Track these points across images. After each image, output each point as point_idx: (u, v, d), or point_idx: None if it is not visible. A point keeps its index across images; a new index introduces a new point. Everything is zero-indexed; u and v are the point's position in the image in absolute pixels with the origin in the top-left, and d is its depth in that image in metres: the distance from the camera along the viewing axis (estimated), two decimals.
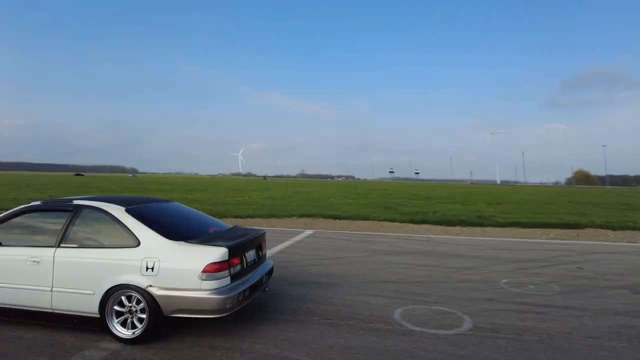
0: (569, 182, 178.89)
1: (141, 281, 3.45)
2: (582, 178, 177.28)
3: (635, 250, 8.94)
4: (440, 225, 12.87)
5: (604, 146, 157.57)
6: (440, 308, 4.71)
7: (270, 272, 4.57)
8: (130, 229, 3.68)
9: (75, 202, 4.08)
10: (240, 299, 3.57)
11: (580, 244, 9.67)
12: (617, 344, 3.75)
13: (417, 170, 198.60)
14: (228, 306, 3.45)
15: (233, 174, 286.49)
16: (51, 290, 3.67)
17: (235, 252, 3.66)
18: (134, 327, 3.56)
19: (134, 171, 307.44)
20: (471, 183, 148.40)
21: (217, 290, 3.40)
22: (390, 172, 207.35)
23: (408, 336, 3.86)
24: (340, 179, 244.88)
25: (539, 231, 11.77)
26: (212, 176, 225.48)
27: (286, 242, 9.26)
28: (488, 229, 12.13)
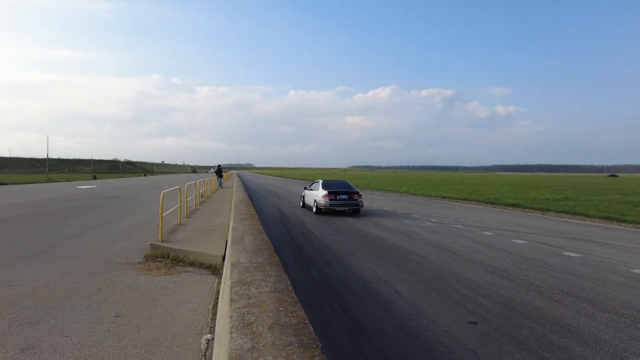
0: None
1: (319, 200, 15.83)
2: None
3: None
4: None
5: None
6: None
7: (356, 206, 15.92)
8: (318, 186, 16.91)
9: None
10: (327, 207, 15.45)
11: None
12: None
13: None
14: (324, 209, 15.49)
15: None
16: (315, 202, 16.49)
17: (330, 191, 15.43)
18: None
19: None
20: None
21: (322, 202, 15.47)
22: None
23: None
24: None
25: None
26: None
27: None
28: None
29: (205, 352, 3.73)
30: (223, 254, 6.89)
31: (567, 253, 8.80)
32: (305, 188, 18.97)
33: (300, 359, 1.19)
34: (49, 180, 50.87)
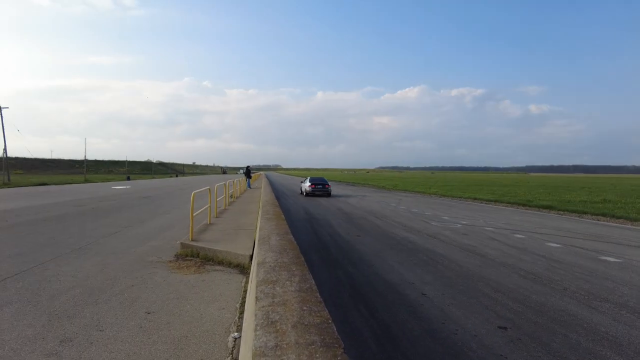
0: None
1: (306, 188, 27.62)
2: None
3: None
4: None
5: None
6: None
7: (329, 193, 26.94)
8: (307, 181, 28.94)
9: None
10: (310, 193, 26.75)
11: None
12: None
13: None
14: (310, 193, 26.68)
15: None
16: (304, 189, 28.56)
17: (312, 183, 26.93)
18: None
19: None
20: None
21: (308, 189, 27.05)
22: None
23: None
24: None
25: None
26: None
27: None
28: None
29: (233, 350, 3.79)
30: (251, 254, 6.99)
31: (604, 258, 8.42)
32: (301, 182, 30.59)
33: (323, 358, 1.20)
34: (86, 181, 53.08)
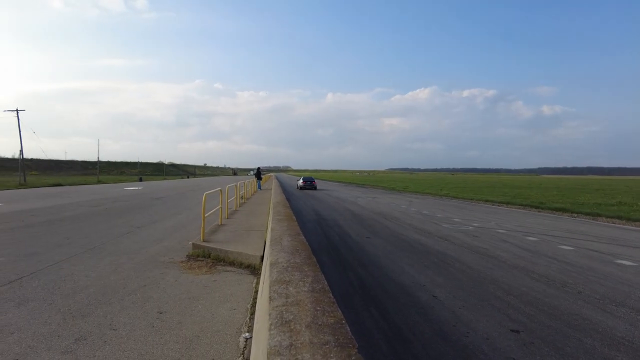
0: None
1: (300, 183, 41.40)
2: None
3: None
4: None
5: None
6: None
7: (314, 187, 39.64)
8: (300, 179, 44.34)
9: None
10: (302, 187, 39.52)
11: None
12: None
13: None
14: (302, 187, 39.75)
15: None
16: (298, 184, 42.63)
17: (304, 181, 40.27)
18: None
19: None
20: None
21: (300, 184, 40.20)
22: None
23: None
24: None
25: None
26: None
27: None
28: None
29: (244, 351, 3.82)
30: (261, 254, 7.02)
31: (620, 261, 8.29)
32: (297, 180, 44.94)
33: (337, 357, 1.20)
34: (99, 182, 53.81)
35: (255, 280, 6.23)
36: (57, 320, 4.43)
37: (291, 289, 1.94)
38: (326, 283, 2.10)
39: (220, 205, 11.19)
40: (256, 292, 5.54)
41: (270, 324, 1.46)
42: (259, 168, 36.13)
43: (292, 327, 1.44)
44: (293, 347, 1.28)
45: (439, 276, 6.87)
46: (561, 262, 8.12)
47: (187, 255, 7.84)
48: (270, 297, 1.81)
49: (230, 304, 5.15)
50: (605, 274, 7.16)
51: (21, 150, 48.26)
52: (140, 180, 71.35)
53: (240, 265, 7.20)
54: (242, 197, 19.41)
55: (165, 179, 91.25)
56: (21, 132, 46.75)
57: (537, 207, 21.33)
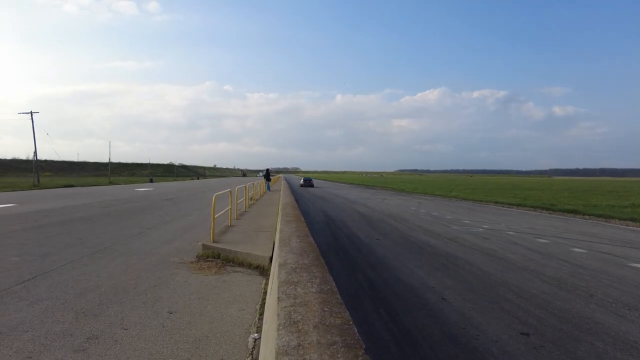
0: None
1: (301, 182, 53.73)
2: None
3: None
4: None
5: None
6: None
7: (312, 185, 51.98)
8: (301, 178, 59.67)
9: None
10: (302, 185, 51.24)
11: None
12: None
13: None
14: (302, 185, 50.99)
15: None
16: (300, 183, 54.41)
17: (304, 180, 53.26)
18: None
19: None
20: None
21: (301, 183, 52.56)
22: None
23: None
24: None
25: None
26: None
27: None
28: None
29: (253, 351, 3.84)
30: (270, 255, 7.05)
31: (634, 264, 8.16)
32: (300, 180, 56.93)
33: (345, 358, 1.21)
34: (110, 183, 54.45)
35: (264, 281, 6.26)
36: (69, 319, 4.50)
37: (299, 289, 1.95)
38: (334, 284, 2.11)
39: (229, 207, 11.26)
40: (265, 292, 5.57)
41: (279, 325, 1.47)
42: (267, 169, 36.25)
43: (300, 328, 1.45)
44: (301, 347, 1.29)
45: (448, 278, 6.83)
46: (573, 264, 8.02)
47: (197, 256, 7.90)
48: (278, 298, 1.82)
49: (239, 305, 5.18)
50: (619, 277, 7.06)
51: (35, 152, 49.10)
52: (151, 181, 72.05)
53: (250, 266, 7.23)
54: (251, 199, 19.49)
55: (175, 180, 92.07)
56: (35, 134, 47.57)
57: (548, 209, 21.09)
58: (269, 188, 32.88)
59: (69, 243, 9.06)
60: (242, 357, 3.73)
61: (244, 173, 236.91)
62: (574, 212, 19.04)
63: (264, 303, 5.04)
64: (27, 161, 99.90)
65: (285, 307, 1.68)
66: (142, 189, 39.26)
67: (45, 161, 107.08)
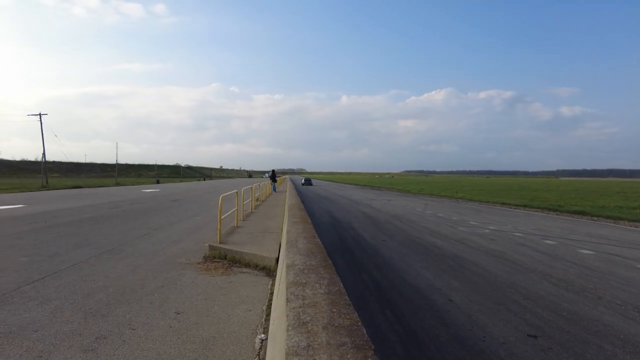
0: None
1: (302, 181, 66.80)
2: None
3: None
4: None
5: None
6: None
7: (311, 184, 64.62)
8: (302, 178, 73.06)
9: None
10: (303, 183, 62.95)
11: None
12: None
13: None
14: (304, 184, 61.23)
15: None
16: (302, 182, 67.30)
17: (305, 180, 66.47)
18: None
19: None
20: None
21: (303, 182, 65.30)
22: None
23: None
24: None
25: None
26: None
27: None
28: None
29: (259, 352, 3.85)
30: (277, 256, 7.07)
31: None
32: (301, 180, 72.36)
33: (354, 359, 1.22)
34: (117, 184, 54.85)
35: (270, 282, 6.28)
36: (78, 319, 4.54)
37: (308, 290, 1.96)
38: (342, 285, 2.12)
39: (236, 208, 11.30)
40: (271, 293, 5.58)
41: (288, 325, 1.49)
42: (273, 170, 36.31)
43: (310, 329, 1.46)
44: (310, 347, 1.30)
45: (454, 279, 6.81)
46: (580, 266, 7.96)
47: (203, 257, 7.94)
48: (287, 299, 1.84)
49: (246, 305, 5.20)
50: (628, 279, 6.99)
51: (44, 153, 49.57)
52: (158, 182, 72.43)
53: (256, 266, 7.26)
54: (257, 200, 19.54)
55: (182, 181, 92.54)
56: (44, 136, 48.04)
57: (555, 210, 20.94)
58: (274, 189, 32.94)
59: (77, 244, 9.15)
60: (249, 357, 3.75)
61: (250, 174, 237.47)
62: (582, 213, 18.89)
63: (271, 304, 5.06)
64: (35, 162, 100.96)
65: (294, 308, 1.69)
66: (149, 190, 39.50)
67: (54, 162, 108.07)
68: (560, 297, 5.90)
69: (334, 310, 1.67)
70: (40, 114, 47.55)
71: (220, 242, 8.44)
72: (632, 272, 7.58)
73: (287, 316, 1.60)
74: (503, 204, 25.78)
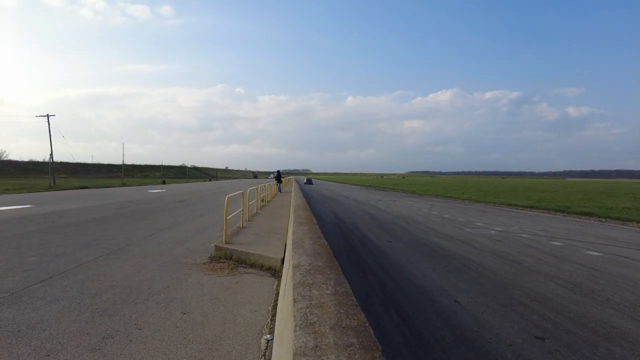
0: None
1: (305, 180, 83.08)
2: None
3: None
4: None
5: None
6: None
7: (311, 183, 79.55)
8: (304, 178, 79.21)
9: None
10: (305, 183, 74.50)
11: None
12: None
13: None
14: (306, 184, 73.16)
15: None
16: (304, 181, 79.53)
17: (306, 180, 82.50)
18: None
19: None
20: None
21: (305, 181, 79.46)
22: None
23: None
24: None
25: None
26: None
27: None
28: None
29: (265, 352, 3.86)
30: (282, 257, 7.07)
31: None
32: (303, 180, 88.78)
33: (362, 359, 1.22)
34: (123, 185, 55.17)
35: (276, 282, 6.29)
36: (85, 319, 4.57)
37: (314, 291, 1.96)
38: (349, 286, 2.12)
39: (241, 208, 11.33)
40: (277, 294, 5.59)
41: (295, 326, 1.49)
42: (279, 171, 36.34)
43: (317, 329, 1.46)
44: (318, 348, 1.30)
45: (460, 281, 6.78)
46: (588, 268, 7.89)
47: (209, 257, 7.97)
48: (294, 299, 1.84)
49: (251, 306, 5.21)
50: (636, 281, 6.92)
51: (51, 154, 49.97)
52: (164, 183, 72.77)
53: (262, 267, 7.27)
54: (262, 200, 19.57)
55: (187, 181, 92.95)
56: (51, 137, 48.46)
57: (562, 211, 20.78)
58: (280, 190, 32.97)
59: (84, 244, 9.21)
60: (254, 358, 3.75)
61: (255, 175, 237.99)
62: (589, 214, 18.73)
63: (276, 304, 5.06)
64: (43, 163, 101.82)
65: (301, 308, 1.69)
66: (155, 190, 39.70)
67: (61, 163, 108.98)
68: (568, 298, 5.86)
69: (341, 311, 1.67)
70: (47, 115, 47.97)
71: (226, 243, 8.46)
72: None
73: (294, 316, 1.60)
74: (509, 205, 25.63)
